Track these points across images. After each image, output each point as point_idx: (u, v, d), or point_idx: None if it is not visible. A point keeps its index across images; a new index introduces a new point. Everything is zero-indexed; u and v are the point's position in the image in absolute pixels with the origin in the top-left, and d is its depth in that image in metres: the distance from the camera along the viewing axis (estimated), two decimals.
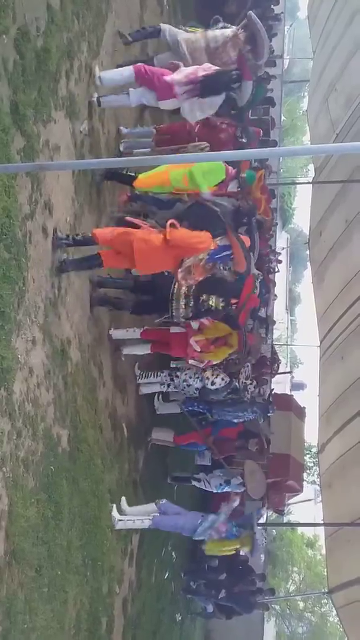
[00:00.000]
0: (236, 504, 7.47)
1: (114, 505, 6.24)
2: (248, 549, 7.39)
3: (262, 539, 7.80)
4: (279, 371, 9.19)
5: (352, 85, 10.11)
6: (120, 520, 6.27)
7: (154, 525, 6.55)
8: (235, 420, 7.72)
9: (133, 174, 5.85)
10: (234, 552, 7.72)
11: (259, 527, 7.53)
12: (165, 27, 6.40)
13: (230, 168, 6.04)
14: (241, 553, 8.08)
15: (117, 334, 6.37)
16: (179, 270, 5.16)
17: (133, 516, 6.47)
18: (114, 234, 5.02)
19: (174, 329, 6.64)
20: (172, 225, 5.02)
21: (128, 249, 4.93)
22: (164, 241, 4.94)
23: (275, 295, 11.04)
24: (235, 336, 6.50)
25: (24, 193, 4.11)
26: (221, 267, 5.72)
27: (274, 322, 11.41)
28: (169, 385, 7.21)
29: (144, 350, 6.78)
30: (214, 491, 8.24)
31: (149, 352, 6.80)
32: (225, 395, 7.13)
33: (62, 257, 4.82)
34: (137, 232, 5.02)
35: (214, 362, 6.78)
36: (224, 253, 5.44)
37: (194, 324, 6.38)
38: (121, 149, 6.41)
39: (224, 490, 8.19)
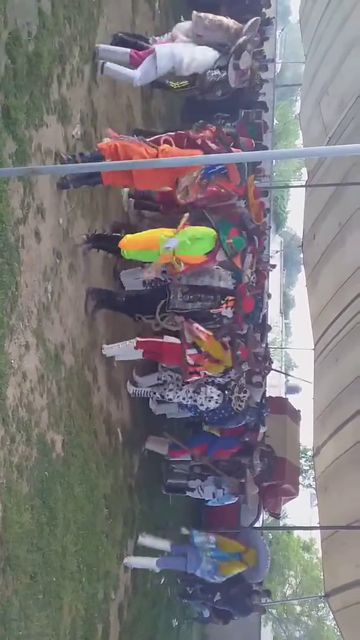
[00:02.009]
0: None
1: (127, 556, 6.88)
2: (252, 565, 7.72)
3: (267, 559, 7.98)
4: (272, 369, 9.13)
5: (344, 88, 10.14)
6: (132, 564, 6.99)
7: (161, 566, 7.33)
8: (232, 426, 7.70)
9: (120, 234, 5.72)
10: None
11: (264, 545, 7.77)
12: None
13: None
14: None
15: (110, 351, 6.30)
16: (176, 191, 5.33)
17: (145, 561, 7.25)
18: (116, 144, 5.14)
19: (167, 339, 6.59)
20: (166, 142, 5.28)
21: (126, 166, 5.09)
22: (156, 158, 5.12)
23: (270, 294, 11.01)
24: (229, 355, 6.46)
25: (16, 197, 4.10)
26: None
27: (270, 327, 11.38)
28: (161, 396, 7.10)
29: (137, 355, 6.69)
30: (207, 500, 8.23)
31: (142, 357, 6.70)
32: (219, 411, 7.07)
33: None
34: (135, 148, 5.15)
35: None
36: (218, 167, 5.50)
37: (188, 336, 6.32)
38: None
39: (216, 505, 8.21)
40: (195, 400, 6.75)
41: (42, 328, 4.52)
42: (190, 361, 6.31)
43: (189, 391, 6.76)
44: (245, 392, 6.85)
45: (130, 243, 5.48)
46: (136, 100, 7.49)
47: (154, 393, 7.03)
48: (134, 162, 5.01)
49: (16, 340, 4.08)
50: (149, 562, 7.27)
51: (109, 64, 5.94)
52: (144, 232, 5.70)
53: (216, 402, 6.69)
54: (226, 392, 6.73)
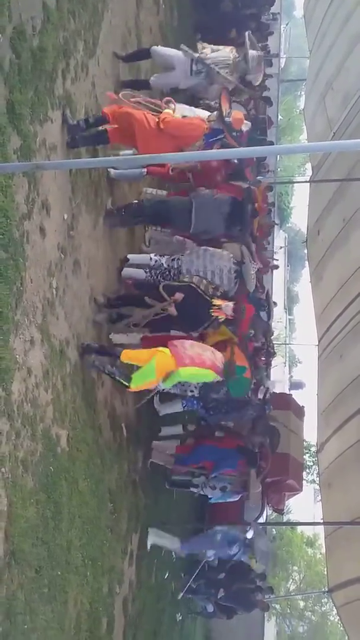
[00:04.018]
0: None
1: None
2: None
3: (266, 551, 8.19)
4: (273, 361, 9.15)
5: (348, 83, 10.11)
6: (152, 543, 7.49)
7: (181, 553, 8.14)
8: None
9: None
10: None
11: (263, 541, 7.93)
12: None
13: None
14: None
15: (117, 337, 6.34)
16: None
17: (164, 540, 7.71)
18: (119, 110, 5.37)
19: (174, 333, 6.59)
20: (167, 102, 5.51)
21: (131, 131, 5.33)
22: (158, 128, 5.32)
23: (275, 303, 10.99)
24: (236, 347, 6.45)
25: (21, 193, 4.10)
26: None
27: (275, 303, 11.35)
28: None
29: (133, 339, 6.47)
30: (210, 497, 8.24)
31: (139, 342, 6.62)
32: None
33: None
34: (137, 114, 5.36)
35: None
36: (219, 137, 5.70)
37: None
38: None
39: (219, 501, 8.23)
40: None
41: (47, 323, 4.53)
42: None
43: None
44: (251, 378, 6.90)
45: (131, 357, 5.58)
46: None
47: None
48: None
49: (21, 335, 4.09)
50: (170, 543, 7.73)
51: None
52: (144, 351, 5.74)
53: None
54: None
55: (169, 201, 6.59)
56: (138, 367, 5.48)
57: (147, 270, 6.36)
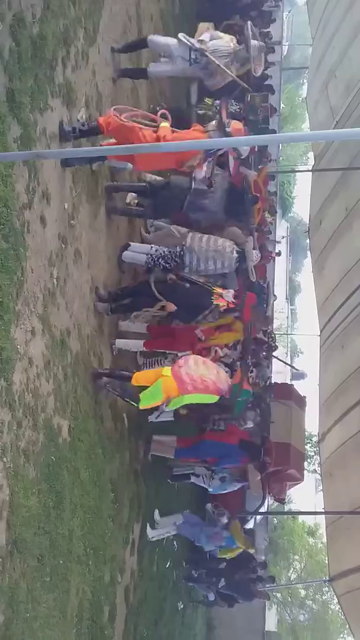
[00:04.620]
0: (225, 520, 8.63)
1: (148, 524, 7.47)
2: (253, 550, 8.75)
3: (264, 541, 8.37)
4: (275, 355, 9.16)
5: (351, 72, 10.03)
6: (152, 537, 7.55)
7: (178, 531, 8.07)
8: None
9: None
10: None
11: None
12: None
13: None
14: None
15: (124, 324, 6.35)
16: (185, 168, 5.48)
17: (164, 529, 7.84)
18: (117, 123, 5.15)
19: (177, 322, 6.62)
20: (162, 115, 5.28)
21: (128, 133, 5.11)
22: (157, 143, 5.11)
23: (275, 296, 10.99)
24: (239, 323, 6.48)
25: (22, 182, 4.08)
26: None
27: (275, 297, 11.36)
28: None
29: (139, 328, 6.62)
30: (210, 490, 8.29)
31: (143, 348, 6.69)
32: None
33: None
34: (135, 132, 5.14)
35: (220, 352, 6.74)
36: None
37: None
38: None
39: (220, 492, 8.27)
40: None
41: (48, 314, 4.52)
42: (201, 335, 6.33)
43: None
44: (252, 370, 6.90)
45: (139, 380, 5.78)
46: (141, 84, 7.42)
47: (163, 360, 7.05)
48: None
49: (22, 325, 4.08)
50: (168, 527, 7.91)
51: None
52: (150, 373, 5.98)
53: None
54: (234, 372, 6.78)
55: (170, 182, 6.50)
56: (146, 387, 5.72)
57: (148, 254, 6.34)
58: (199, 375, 5.74)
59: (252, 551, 9.23)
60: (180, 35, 6.41)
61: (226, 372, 6.69)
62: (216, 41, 6.31)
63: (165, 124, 5.23)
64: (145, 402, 5.72)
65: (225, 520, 8.61)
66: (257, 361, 7.41)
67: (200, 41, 6.32)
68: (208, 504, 9.05)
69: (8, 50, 3.87)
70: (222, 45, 6.34)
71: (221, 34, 6.52)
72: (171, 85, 9.03)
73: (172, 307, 6.10)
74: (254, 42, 6.59)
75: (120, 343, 6.38)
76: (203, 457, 7.94)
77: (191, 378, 5.68)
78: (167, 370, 5.74)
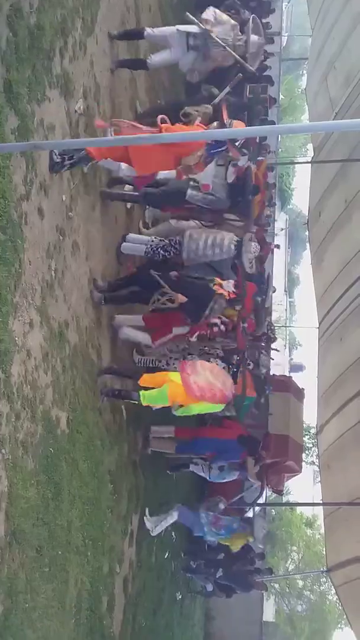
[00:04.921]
0: (222, 506, 8.60)
1: (145, 517, 7.44)
2: (252, 539, 8.89)
3: (262, 530, 8.46)
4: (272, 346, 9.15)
5: (351, 63, 9.97)
6: (155, 527, 7.57)
7: (178, 516, 8.03)
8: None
9: None
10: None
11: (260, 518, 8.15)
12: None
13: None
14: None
15: (120, 319, 6.35)
16: (179, 167, 5.33)
17: (161, 520, 7.74)
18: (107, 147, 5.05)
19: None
20: (162, 121, 5.17)
21: (124, 153, 5.03)
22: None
23: (274, 287, 10.98)
24: (235, 314, 6.51)
25: (19, 173, 4.06)
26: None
27: (274, 288, 11.34)
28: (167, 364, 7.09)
29: (136, 321, 6.57)
30: (209, 478, 8.31)
31: (150, 344, 6.63)
32: None
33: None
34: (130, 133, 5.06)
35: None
36: (222, 148, 5.51)
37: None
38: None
39: (219, 480, 8.29)
40: None
41: (46, 306, 4.52)
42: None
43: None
44: (249, 364, 6.92)
45: (147, 382, 6.00)
46: (139, 74, 7.38)
47: (159, 361, 7.04)
48: (137, 137, 4.92)
49: (20, 317, 4.08)
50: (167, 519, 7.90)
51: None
52: (158, 376, 6.14)
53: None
54: (230, 365, 6.80)
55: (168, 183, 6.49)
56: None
57: (147, 244, 6.32)
58: (207, 384, 5.90)
59: (251, 540, 9.27)
60: (187, 15, 6.37)
61: (223, 367, 6.73)
62: (218, 27, 6.25)
63: (166, 125, 5.21)
64: (148, 401, 5.92)
65: (222, 506, 8.66)
66: (255, 354, 7.41)
67: (205, 20, 6.26)
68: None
69: (5, 40, 3.84)
70: (223, 33, 6.29)
71: (225, 17, 6.45)
72: (170, 76, 8.98)
73: (182, 298, 6.08)
74: (254, 38, 6.54)
75: (124, 334, 6.38)
76: (201, 453, 7.98)
77: (199, 387, 5.85)
78: (175, 375, 5.88)
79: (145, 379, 6.03)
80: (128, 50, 6.85)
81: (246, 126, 6.05)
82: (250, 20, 6.56)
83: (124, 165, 5.56)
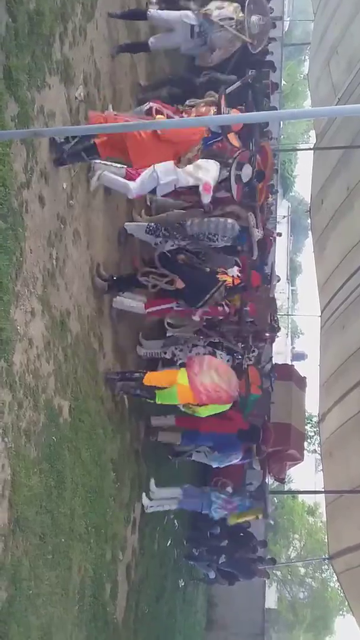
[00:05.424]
0: (230, 490, 8.67)
1: (144, 494, 7.29)
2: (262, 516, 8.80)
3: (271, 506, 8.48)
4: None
5: (353, 48, 9.88)
6: (151, 506, 7.39)
7: (180, 505, 7.99)
8: None
9: None
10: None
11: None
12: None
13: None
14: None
15: (120, 301, 6.32)
16: (178, 162, 5.34)
17: (161, 500, 7.66)
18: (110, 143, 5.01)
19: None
20: (157, 111, 5.26)
21: (122, 145, 4.98)
22: (155, 136, 4.95)
23: (279, 277, 10.93)
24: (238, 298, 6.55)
25: (19, 161, 4.03)
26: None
27: (279, 278, 11.29)
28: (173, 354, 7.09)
29: (138, 308, 6.50)
30: (213, 464, 8.32)
31: (143, 311, 6.58)
32: None
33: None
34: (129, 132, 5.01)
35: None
36: (217, 139, 5.57)
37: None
38: None
39: (224, 465, 8.30)
40: None
41: (47, 294, 4.50)
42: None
43: (199, 353, 6.81)
44: (253, 351, 6.94)
45: (152, 381, 6.18)
46: (140, 60, 7.32)
47: (164, 353, 7.04)
48: (135, 123, 4.86)
49: (22, 306, 4.07)
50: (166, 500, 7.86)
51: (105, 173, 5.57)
52: (163, 375, 6.39)
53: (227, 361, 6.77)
54: (235, 354, 6.82)
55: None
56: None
57: (147, 227, 6.27)
58: (213, 385, 6.05)
59: (260, 516, 9.25)
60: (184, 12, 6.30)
61: (228, 360, 6.75)
62: (220, 11, 6.17)
63: (161, 116, 5.18)
64: (161, 400, 6.20)
65: (230, 490, 8.71)
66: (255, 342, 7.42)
67: (205, 14, 6.19)
68: (207, 487, 9.06)
69: (5, 26, 3.80)
70: (226, 15, 6.21)
71: (225, 4, 6.37)
72: (171, 62, 8.90)
73: (180, 283, 6.07)
74: (254, 19, 6.45)
75: (118, 302, 6.29)
76: (202, 445, 8.01)
77: (205, 389, 6.01)
78: (182, 377, 6.03)
79: (150, 378, 6.19)
80: (128, 36, 6.78)
81: (249, 110, 6.00)
82: (247, 3, 6.41)
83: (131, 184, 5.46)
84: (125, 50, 6.49)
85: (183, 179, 5.47)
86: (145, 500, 7.36)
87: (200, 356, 6.45)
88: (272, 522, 9.97)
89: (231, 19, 6.25)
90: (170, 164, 5.33)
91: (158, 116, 5.17)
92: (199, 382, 5.97)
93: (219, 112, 5.61)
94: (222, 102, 5.66)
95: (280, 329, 8.73)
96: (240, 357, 6.95)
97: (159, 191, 5.56)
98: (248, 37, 6.37)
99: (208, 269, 6.29)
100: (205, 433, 7.70)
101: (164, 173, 5.32)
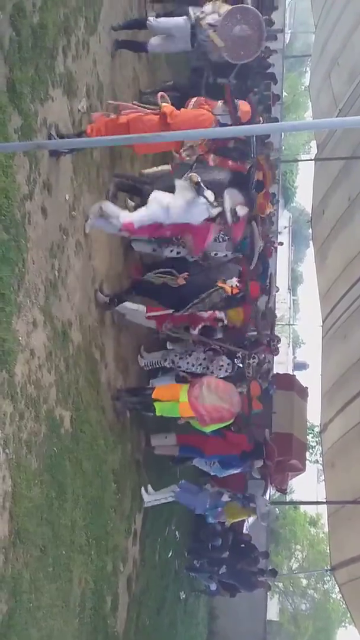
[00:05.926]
0: (226, 498, 8.66)
1: (143, 487, 7.23)
2: (255, 516, 8.86)
3: (265, 507, 8.46)
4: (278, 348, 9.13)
5: (354, 59, 9.95)
6: (149, 501, 7.32)
7: (176, 498, 7.89)
8: None
9: None
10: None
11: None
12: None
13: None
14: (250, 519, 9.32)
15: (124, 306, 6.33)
16: (182, 149, 5.40)
17: (159, 495, 7.60)
18: (104, 124, 4.99)
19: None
20: (162, 98, 5.18)
21: (126, 131, 4.98)
22: (162, 123, 4.97)
23: (277, 287, 10.94)
24: (241, 312, 6.55)
25: (22, 173, 4.06)
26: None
27: (278, 289, 11.28)
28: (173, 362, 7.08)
29: (140, 309, 6.46)
30: (212, 474, 8.29)
31: (145, 315, 6.53)
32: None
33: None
34: (130, 114, 5.07)
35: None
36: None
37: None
38: None
39: (223, 474, 8.26)
40: (206, 368, 6.78)
41: (49, 305, 4.51)
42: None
43: (198, 358, 6.81)
44: (253, 357, 6.92)
45: (159, 396, 6.34)
46: (142, 72, 7.37)
47: (164, 361, 7.02)
48: (139, 136, 4.90)
49: (24, 317, 4.08)
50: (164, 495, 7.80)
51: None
52: (168, 390, 6.47)
53: (226, 371, 6.76)
54: (235, 360, 6.80)
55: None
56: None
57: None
58: (214, 406, 6.12)
59: (253, 517, 9.23)
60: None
61: (228, 363, 6.74)
62: (212, 15, 6.16)
63: (165, 104, 5.19)
64: (162, 412, 6.31)
65: (227, 498, 8.68)
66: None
67: (201, 11, 6.20)
68: (207, 485, 9.02)
69: (8, 39, 3.84)
70: (214, 20, 6.20)
71: (225, 7, 6.35)
72: (173, 73, 8.96)
73: (181, 280, 6.07)
74: (236, 29, 6.38)
75: (121, 306, 6.23)
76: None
77: (207, 410, 6.10)
78: (183, 395, 6.14)
79: (157, 394, 6.33)
80: (126, 34, 6.76)
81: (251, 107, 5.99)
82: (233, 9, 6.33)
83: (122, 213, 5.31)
84: (123, 46, 6.43)
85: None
86: (145, 496, 7.36)
87: (199, 379, 6.46)
88: (264, 524, 9.85)
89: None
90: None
91: (164, 104, 5.16)
92: (200, 406, 6.08)
93: (228, 104, 5.61)
94: (228, 96, 5.67)
95: (278, 351, 8.64)
96: (241, 363, 6.95)
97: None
98: (221, 42, 6.28)
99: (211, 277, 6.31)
100: (205, 455, 7.73)
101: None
